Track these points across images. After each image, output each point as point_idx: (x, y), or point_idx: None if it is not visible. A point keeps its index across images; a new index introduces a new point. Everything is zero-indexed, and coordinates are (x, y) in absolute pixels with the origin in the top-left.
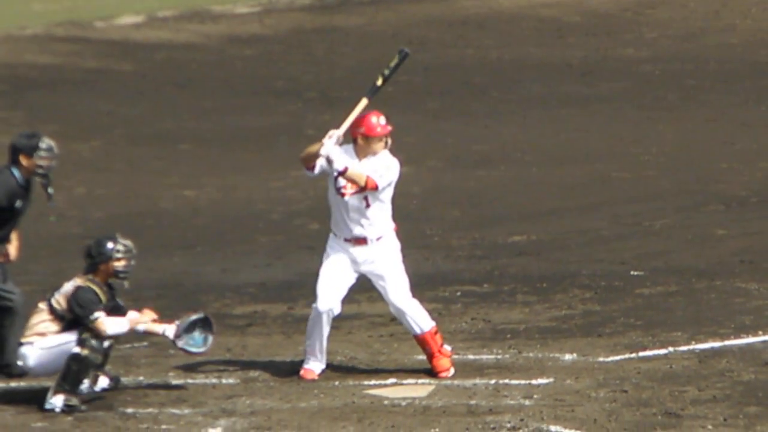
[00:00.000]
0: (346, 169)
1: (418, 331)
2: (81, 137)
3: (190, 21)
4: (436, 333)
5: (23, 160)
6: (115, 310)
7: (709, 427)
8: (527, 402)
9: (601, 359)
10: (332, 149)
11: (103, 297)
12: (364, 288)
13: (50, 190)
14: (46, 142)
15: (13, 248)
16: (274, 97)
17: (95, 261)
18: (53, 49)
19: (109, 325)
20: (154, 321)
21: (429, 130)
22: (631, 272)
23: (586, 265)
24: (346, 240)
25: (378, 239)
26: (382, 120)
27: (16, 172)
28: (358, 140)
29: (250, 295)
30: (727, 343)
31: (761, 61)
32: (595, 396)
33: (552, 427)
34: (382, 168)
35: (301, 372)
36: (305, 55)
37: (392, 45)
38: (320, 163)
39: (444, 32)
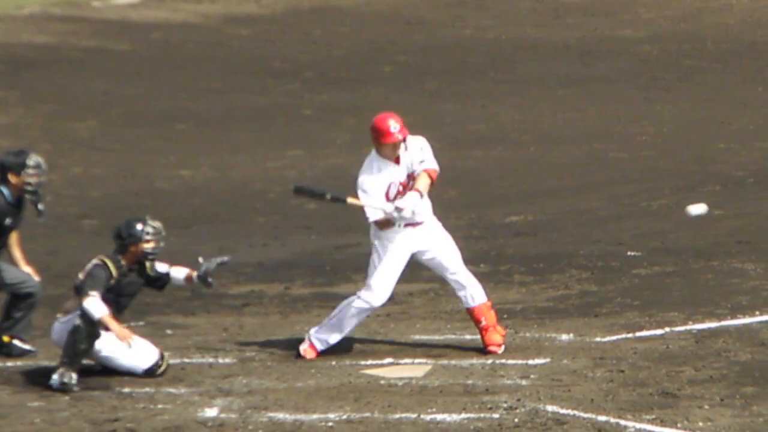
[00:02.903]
0: (422, 193)
1: (475, 303)
2: (78, 117)
3: (186, 1)
4: (491, 307)
5: (12, 178)
6: (135, 295)
7: (706, 407)
8: (524, 382)
9: (597, 339)
10: (409, 205)
11: (114, 272)
12: (359, 267)
13: (40, 206)
14: (33, 159)
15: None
16: (271, 77)
17: (125, 242)
18: (50, 29)
19: (90, 305)
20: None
21: (426, 111)
22: (628, 252)
23: (583, 246)
24: (404, 226)
25: (430, 218)
26: (397, 125)
27: (4, 190)
28: (383, 150)
29: (247, 275)
30: (723, 323)
31: (758, 41)
32: (592, 376)
33: (548, 407)
34: (424, 152)
35: (304, 351)
36: (302, 35)
37: (390, 25)
38: (399, 216)
39: (441, 12)
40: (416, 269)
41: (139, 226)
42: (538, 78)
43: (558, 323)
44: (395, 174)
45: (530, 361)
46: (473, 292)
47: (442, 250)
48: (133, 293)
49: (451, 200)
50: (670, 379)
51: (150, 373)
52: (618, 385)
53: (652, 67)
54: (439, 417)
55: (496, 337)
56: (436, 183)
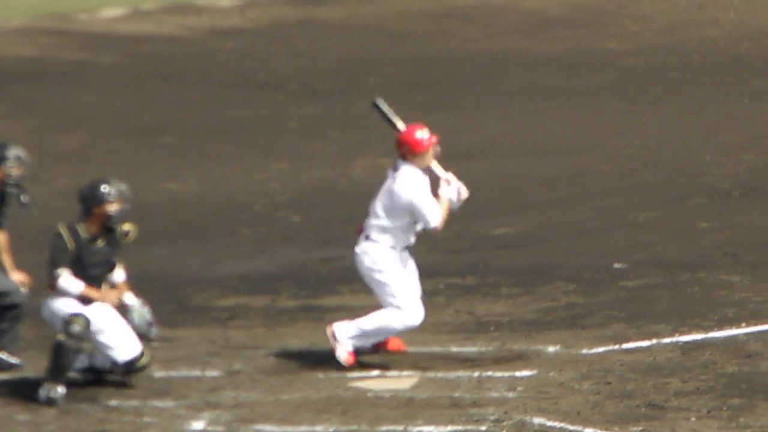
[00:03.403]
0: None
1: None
2: (64, 129)
3: (172, 14)
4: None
5: None
6: (105, 265)
7: (693, 419)
8: (511, 394)
9: (584, 351)
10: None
11: (69, 240)
12: (344, 280)
13: (23, 198)
14: (14, 152)
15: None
16: (256, 89)
17: (89, 204)
18: (37, 42)
19: (65, 283)
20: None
21: (413, 122)
22: (615, 265)
23: (570, 258)
24: (405, 249)
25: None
26: (426, 133)
27: None
28: (421, 160)
29: (233, 288)
30: (710, 335)
31: (744, 54)
32: (579, 388)
33: (535, 419)
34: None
35: (345, 360)
36: (287, 48)
37: (375, 37)
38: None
39: (427, 24)
40: None
41: (102, 187)
42: (524, 90)
43: (545, 335)
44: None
45: (517, 374)
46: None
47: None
48: (102, 263)
49: None
50: (657, 391)
51: (130, 366)
52: (605, 397)
53: (638, 79)
54: (426, 429)
55: (396, 342)
56: None
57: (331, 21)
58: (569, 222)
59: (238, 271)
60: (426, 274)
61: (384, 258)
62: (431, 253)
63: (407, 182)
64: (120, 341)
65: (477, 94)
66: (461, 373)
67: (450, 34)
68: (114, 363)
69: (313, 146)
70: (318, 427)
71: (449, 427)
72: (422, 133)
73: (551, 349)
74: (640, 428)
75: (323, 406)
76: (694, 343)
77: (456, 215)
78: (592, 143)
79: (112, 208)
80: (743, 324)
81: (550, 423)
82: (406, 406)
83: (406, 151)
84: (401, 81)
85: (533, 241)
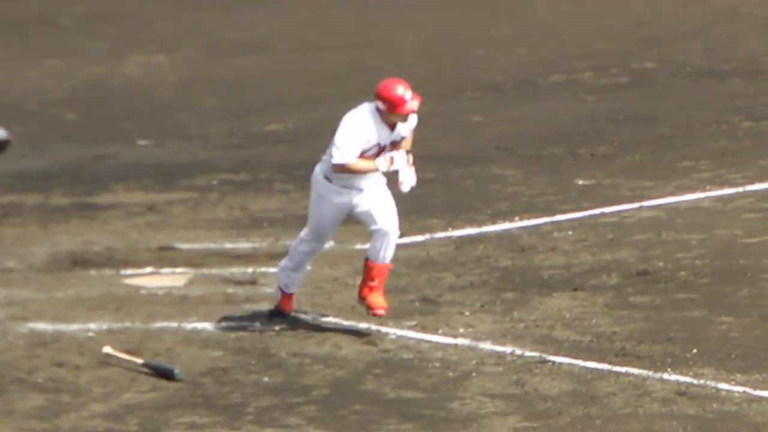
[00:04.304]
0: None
1: (378, 260)
2: None
3: None
4: (387, 272)
5: None
6: None
7: (467, 313)
8: None
9: (358, 246)
10: (401, 164)
11: None
12: (119, 177)
13: None
14: None
15: None
16: None
17: None
18: None
19: None
20: None
21: (185, 19)
22: None
23: None
24: (343, 185)
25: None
26: (409, 93)
27: None
28: (385, 114)
29: (6, 185)
30: (483, 229)
31: None
32: (353, 283)
33: (310, 315)
34: (414, 118)
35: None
36: None
37: None
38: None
39: None
40: (177, 179)
41: None
42: None
43: None
44: (384, 137)
45: None
46: (385, 250)
47: (377, 205)
48: None
49: (210, 109)
50: (431, 285)
51: None
52: None
53: None
54: (200, 326)
55: (380, 300)
56: (194, 92)
57: None
58: (341, 118)
59: (12, 168)
60: (199, 170)
61: (313, 186)
62: (204, 150)
63: (351, 112)
64: None
65: None
66: (235, 270)
67: None
68: None
69: (86, 43)
70: (91, 325)
71: (223, 324)
72: (404, 91)
73: (325, 244)
74: (414, 323)
75: (96, 304)
76: (468, 237)
77: (229, 112)
78: (365, 38)
79: None
80: (516, 218)
81: (324, 318)
82: (179, 303)
83: (382, 107)
84: None
85: (306, 137)
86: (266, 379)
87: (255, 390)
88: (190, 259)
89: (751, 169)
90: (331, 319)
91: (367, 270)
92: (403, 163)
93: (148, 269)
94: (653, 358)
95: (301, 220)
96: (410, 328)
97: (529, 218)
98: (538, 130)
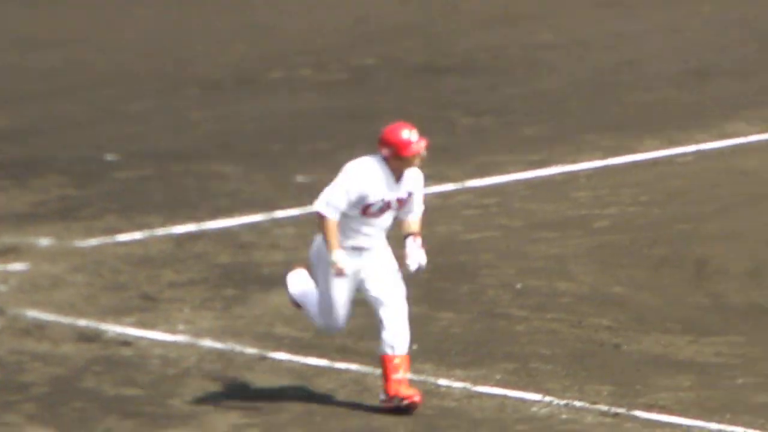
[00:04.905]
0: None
1: (395, 352)
2: None
3: None
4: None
5: None
6: None
7: (186, 309)
8: (3, 288)
9: (78, 243)
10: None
11: None
12: None
13: None
14: None
15: None
16: None
17: None
18: None
19: None
20: None
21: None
22: (107, 156)
23: (62, 150)
24: (354, 249)
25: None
26: (415, 134)
27: None
28: (391, 161)
29: None
30: (203, 226)
31: None
32: (72, 280)
33: (29, 313)
34: (421, 179)
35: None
36: None
37: None
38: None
39: None
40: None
41: None
42: None
43: (37, 228)
44: (390, 192)
45: (9, 267)
46: (395, 340)
47: (381, 279)
48: None
49: None
50: (150, 282)
51: None
52: (98, 289)
53: None
54: None
55: (409, 389)
56: None
57: None
58: (61, 114)
59: None
60: None
61: (318, 251)
62: None
63: (354, 163)
64: None
65: None
66: None
67: None
68: None
69: None
70: None
71: None
72: (410, 134)
73: (44, 242)
74: (134, 319)
75: None
76: (188, 234)
77: None
78: (83, 35)
79: None
80: (236, 214)
81: (44, 316)
82: None
83: (387, 152)
84: None
85: (24, 134)
86: None
87: None
88: None
89: (471, 165)
90: (50, 317)
91: (389, 364)
92: (414, 248)
93: None
94: (374, 354)
95: (20, 217)
96: (130, 324)
97: (248, 215)
98: (258, 126)
